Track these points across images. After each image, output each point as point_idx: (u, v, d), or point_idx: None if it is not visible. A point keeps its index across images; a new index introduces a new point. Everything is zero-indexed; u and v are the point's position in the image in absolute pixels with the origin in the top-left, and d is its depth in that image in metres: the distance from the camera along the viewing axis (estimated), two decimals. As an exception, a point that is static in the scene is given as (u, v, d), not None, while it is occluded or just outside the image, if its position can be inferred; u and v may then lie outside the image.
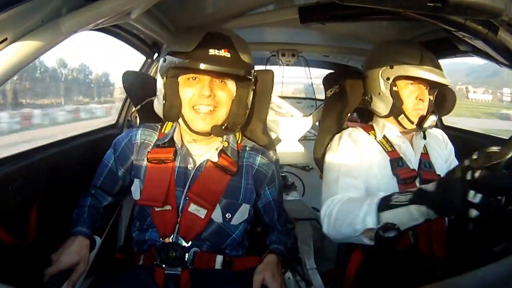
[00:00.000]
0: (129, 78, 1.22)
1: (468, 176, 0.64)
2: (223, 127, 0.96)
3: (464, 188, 0.64)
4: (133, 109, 1.49)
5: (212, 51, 0.88)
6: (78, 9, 0.65)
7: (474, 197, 0.64)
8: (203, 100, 0.92)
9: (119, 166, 1.04)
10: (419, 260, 1.00)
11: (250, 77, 0.96)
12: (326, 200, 1.03)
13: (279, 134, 1.63)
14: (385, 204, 0.84)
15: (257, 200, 1.06)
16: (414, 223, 0.78)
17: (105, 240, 1.06)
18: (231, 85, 0.96)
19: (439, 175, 1.11)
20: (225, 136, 1.01)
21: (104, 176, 1.05)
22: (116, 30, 1.22)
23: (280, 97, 2.46)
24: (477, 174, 0.63)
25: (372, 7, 0.92)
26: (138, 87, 1.22)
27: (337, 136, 1.21)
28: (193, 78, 0.93)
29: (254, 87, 1.01)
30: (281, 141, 1.63)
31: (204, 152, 1.01)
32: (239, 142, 1.08)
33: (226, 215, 0.98)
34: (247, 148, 1.07)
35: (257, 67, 1.11)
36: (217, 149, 1.01)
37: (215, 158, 0.99)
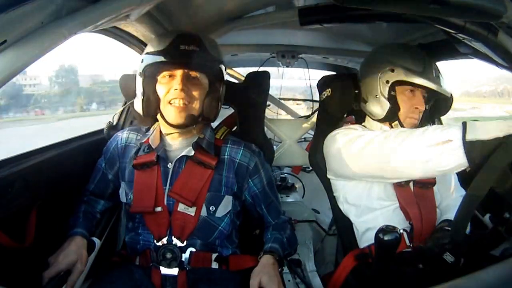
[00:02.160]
0: (126, 82, 1.22)
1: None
2: (198, 119, 1.00)
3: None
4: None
5: (182, 47, 0.96)
6: (77, 11, 0.65)
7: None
8: (177, 94, 0.96)
9: (109, 170, 1.08)
10: (416, 264, 0.99)
11: (219, 69, 1.02)
12: None
13: (279, 135, 1.63)
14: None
15: (241, 196, 1.07)
16: None
17: (105, 243, 1.06)
18: (203, 79, 1.01)
19: (433, 178, 1.11)
20: (201, 129, 1.05)
21: (97, 180, 1.09)
22: (116, 32, 1.22)
23: (279, 98, 2.47)
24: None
25: (371, 9, 0.92)
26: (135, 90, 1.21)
27: (338, 129, 1.17)
28: (169, 76, 0.98)
29: (224, 80, 1.05)
30: (281, 143, 1.63)
31: (182, 149, 1.02)
32: (221, 138, 1.10)
33: (210, 208, 1.00)
34: (229, 142, 1.08)
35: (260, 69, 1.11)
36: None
37: (191, 153, 1.01)
